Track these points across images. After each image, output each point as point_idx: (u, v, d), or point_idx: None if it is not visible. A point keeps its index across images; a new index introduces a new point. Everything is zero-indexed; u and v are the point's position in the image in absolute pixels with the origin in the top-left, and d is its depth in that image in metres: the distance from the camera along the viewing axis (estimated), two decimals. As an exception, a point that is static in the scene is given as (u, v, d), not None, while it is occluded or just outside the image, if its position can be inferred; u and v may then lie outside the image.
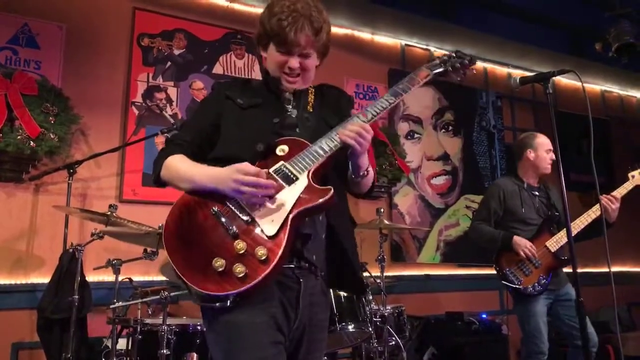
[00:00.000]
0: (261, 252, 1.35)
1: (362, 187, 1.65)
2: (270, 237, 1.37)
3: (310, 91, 1.72)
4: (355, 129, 1.50)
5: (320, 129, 1.59)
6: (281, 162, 1.49)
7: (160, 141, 3.78)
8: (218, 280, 1.34)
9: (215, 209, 1.43)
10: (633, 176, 3.23)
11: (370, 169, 1.62)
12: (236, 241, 1.37)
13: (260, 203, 1.42)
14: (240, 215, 1.42)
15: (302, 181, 1.46)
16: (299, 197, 1.43)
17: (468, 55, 1.81)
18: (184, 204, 1.48)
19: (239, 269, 1.33)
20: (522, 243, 3.14)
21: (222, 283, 1.33)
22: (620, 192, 3.18)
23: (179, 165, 1.54)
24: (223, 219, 1.41)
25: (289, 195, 1.43)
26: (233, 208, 1.43)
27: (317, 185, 1.46)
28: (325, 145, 1.51)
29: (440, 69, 1.77)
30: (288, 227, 1.38)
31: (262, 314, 1.40)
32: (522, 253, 3.12)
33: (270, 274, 1.34)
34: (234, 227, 1.39)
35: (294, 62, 1.61)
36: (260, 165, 1.47)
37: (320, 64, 1.71)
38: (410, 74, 1.72)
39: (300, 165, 1.48)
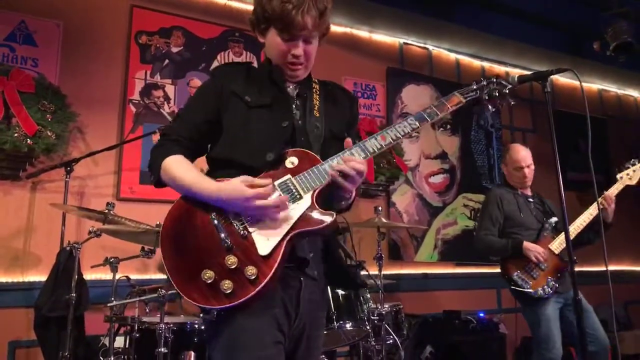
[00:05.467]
0: (251, 271, 1.32)
1: (337, 206, 1.52)
2: (263, 257, 1.34)
3: (314, 89, 1.63)
4: (346, 170, 1.40)
5: (328, 138, 1.55)
6: (288, 176, 1.44)
7: (158, 139, 3.77)
8: (205, 292, 1.33)
9: (215, 216, 1.39)
10: (621, 177, 3.24)
11: (354, 193, 1.50)
12: (229, 255, 1.34)
13: (270, 217, 1.37)
14: (238, 227, 1.38)
15: (306, 201, 1.41)
16: (300, 218, 1.38)
17: (509, 84, 1.68)
18: (184, 205, 1.45)
19: (227, 284, 1.32)
20: (533, 248, 3.12)
21: (207, 296, 1.33)
22: (612, 192, 3.19)
23: (180, 172, 1.47)
24: (220, 229, 1.37)
25: (289, 215, 1.39)
26: (231, 219, 1.39)
27: (319, 208, 1.40)
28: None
29: (474, 96, 1.64)
30: (283, 248, 1.35)
31: (264, 315, 1.38)
32: (533, 258, 3.10)
33: (257, 295, 1.31)
34: (229, 239, 1.36)
35: (299, 49, 1.52)
36: (267, 175, 1.43)
37: (319, 45, 1.60)
38: (441, 99, 1.61)
39: (306, 183, 1.43)
